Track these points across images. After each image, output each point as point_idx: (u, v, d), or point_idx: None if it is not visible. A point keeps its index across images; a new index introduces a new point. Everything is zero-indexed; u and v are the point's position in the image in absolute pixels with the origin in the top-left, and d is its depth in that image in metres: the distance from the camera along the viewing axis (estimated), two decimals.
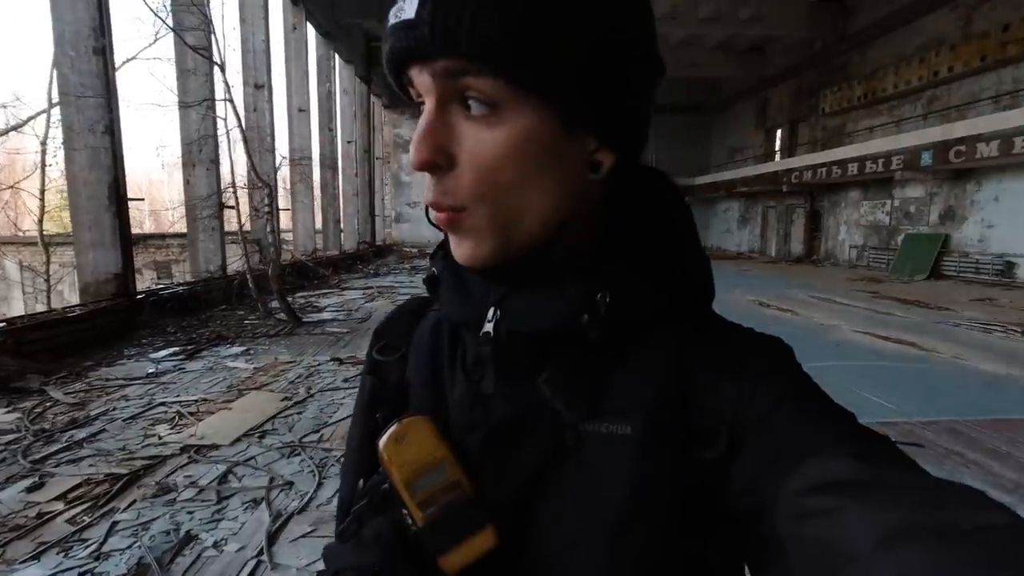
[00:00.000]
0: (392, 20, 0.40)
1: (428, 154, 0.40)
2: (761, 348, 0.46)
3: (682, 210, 0.49)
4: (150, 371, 5.78)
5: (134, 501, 3.06)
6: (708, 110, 30.61)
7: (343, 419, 4.35)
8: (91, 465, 3.50)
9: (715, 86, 29.10)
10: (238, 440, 3.93)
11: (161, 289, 9.18)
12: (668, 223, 0.48)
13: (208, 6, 8.70)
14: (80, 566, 2.46)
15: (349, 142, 21.97)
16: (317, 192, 18.86)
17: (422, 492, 0.43)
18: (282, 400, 4.85)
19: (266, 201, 8.82)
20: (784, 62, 23.80)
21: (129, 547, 2.62)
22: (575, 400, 0.44)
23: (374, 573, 0.44)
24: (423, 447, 0.45)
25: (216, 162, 10.69)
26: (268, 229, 8.88)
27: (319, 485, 3.24)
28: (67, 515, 2.90)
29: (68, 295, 16.25)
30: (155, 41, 11.53)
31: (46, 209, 16.10)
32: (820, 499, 0.33)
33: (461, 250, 0.44)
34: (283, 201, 11.29)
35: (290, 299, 9.09)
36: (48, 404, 4.69)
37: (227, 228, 11.85)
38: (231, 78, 8.65)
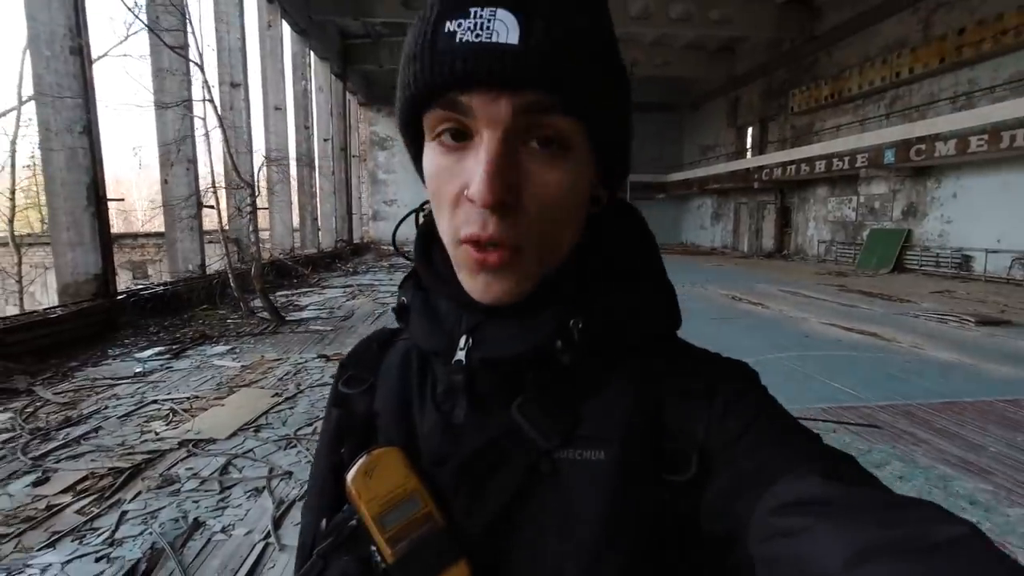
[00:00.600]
0: (466, 37, 0.37)
1: (504, 194, 0.39)
2: (729, 374, 0.46)
3: (648, 241, 0.51)
4: (137, 370, 5.84)
5: (139, 492, 3.19)
6: (680, 108, 31.11)
7: None
8: (92, 460, 3.61)
9: (687, 85, 29.59)
10: (234, 434, 4.07)
11: (141, 289, 9.16)
12: (636, 252, 0.50)
13: (186, 6, 8.67)
14: (96, 551, 2.60)
15: (326, 140, 21.88)
16: (294, 190, 18.77)
17: (392, 527, 0.42)
18: (272, 396, 4.97)
19: (248, 201, 8.85)
20: (754, 62, 24.35)
21: (140, 534, 2.76)
22: (550, 427, 0.44)
23: None
24: (393, 479, 0.44)
25: (194, 162, 10.66)
26: (250, 228, 8.92)
27: None
28: (75, 506, 3.03)
29: (40, 296, 15.96)
30: (127, 38, 11.26)
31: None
32: (790, 519, 0.34)
33: (495, 288, 0.43)
34: (261, 200, 11.28)
35: (272, 298, 9.15)
36: (39, 404, 4.75)
37: (204, 227, 11.80)
38: (207, 77, 8.64)
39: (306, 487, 3.14)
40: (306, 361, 6.23)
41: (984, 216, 14.31)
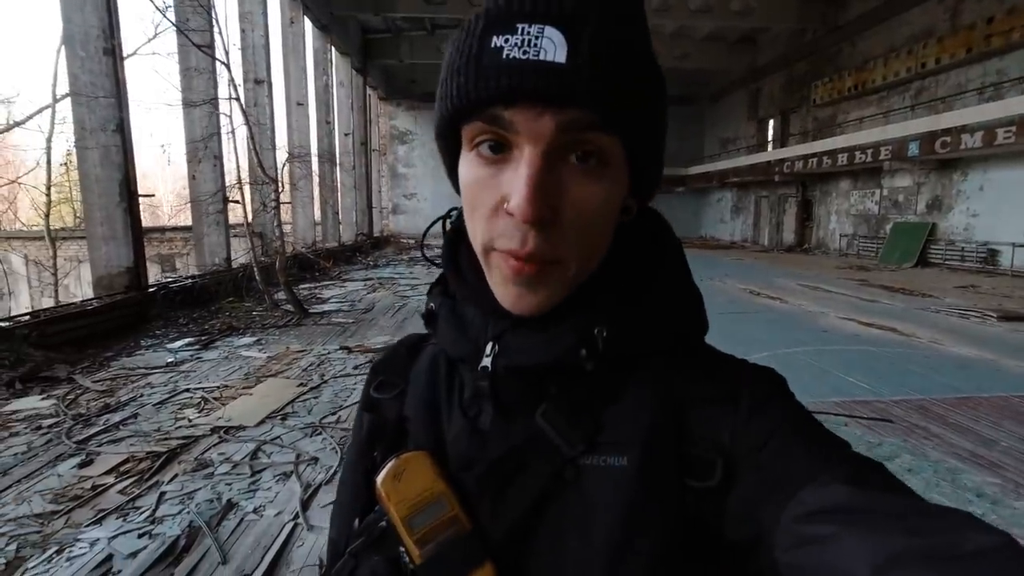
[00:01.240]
0: (513, 53, 0.38)
1: (545, 211, 0.39)
2: (755, 379, 0.46)
3: (674, 247, 0.51)
4: (169, 360, 6.09)
5: (176, 475, 3.39)
6: (700, 101, 30.84)
7: (357, 403, 4.67)
8: (132, 444, 3.82)
9: (707, 77, 29.25)
10: (262, 422, 4.25)
11: (171, 282, 9.46)
12: (663, 259, 0.50)
13: (214, 6, 8.89)
14: (139, 528, 2.79)
15: (347, 134, 22.16)
16: (316, 185, 19.08)
17: (420, 529, 0.43)
18: (298, 386, 5.16)
19: (272, 196, 9.08)
20: (775, 53, 24.03)
21: (179, 513, 2.95)
22: (574, 434, 0.44)
23: None
24: (421, 483, 0.45)
25: (220, 158, 10.95)
26: (274, 223, 9.15)
27: (342, 460, 3.56)
28: (118, 487, 3.23)
29: (74, 288, 16.48)
30: (154, 37, 11.51)
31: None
32: (817, 526, 0.33)
33: (528, 299, 0.43)
34: (284, 195, 11.53)
35: (295, 291, 9.38)
36: (79, 391, 5.00)
37: (229, 222, 12.11)
38: (233, 75, 8.87)
39: (332, 474, 3.33)
40: (329, 352, 6.43)
41: (1011, 209, 14.04)
